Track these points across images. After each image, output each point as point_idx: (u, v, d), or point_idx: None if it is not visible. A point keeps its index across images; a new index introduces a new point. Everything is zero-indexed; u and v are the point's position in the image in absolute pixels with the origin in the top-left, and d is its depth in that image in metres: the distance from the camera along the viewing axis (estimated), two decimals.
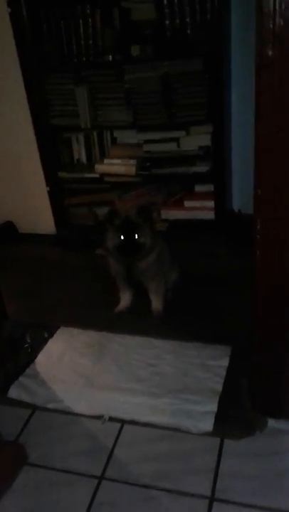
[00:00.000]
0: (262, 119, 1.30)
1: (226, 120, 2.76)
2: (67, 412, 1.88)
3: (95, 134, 3.05)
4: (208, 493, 1.54)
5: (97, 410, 1.86)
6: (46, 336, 2.30)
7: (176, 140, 2.85)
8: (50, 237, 3.23)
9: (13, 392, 1.98)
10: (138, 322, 2.35)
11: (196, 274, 2.57)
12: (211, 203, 2.89)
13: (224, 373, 1.96)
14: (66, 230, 3.21)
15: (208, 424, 1.74)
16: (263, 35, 1.19)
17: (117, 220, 2.20)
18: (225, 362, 2.02)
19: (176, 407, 1.82)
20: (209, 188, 2.89)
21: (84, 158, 3.12)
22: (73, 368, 2.09)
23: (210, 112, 2.70)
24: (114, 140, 3.07)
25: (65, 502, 1.56)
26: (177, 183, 3.04)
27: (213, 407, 1.80)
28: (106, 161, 3.00)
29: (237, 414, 1.77)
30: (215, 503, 1.51)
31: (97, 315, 2.43)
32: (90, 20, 2.69)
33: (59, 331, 2.33)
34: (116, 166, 2.96)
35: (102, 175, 3.00)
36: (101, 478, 1.63)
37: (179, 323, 2.31)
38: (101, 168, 2.99)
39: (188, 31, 2.61)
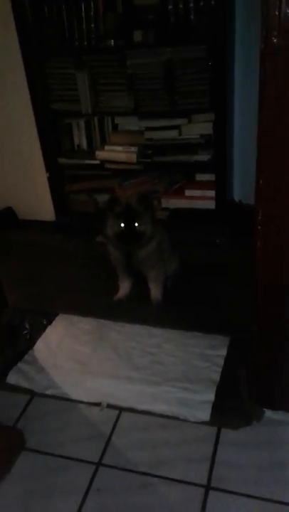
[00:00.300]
0: (265, 108, 1.29)
1: (229, 108, 2.74)
2: (66, 399, 1.89)
3: (95, 119, 3.02)
4: (205, 482, 1.55)
5: (96, 397, 1.87)
6: (45, 322, 2.30)
7: (178, 128, 2.83)
8: (49, 224, 3.22)
9: (12, 378, 1.99)
10: (137, 311, 2.35)
11: (195, 264, 2.57)
12: (211, 193, 2.88)
13: (222, 363, 1.97)
14: (66, 217, 3.19)
15: (205, 413, 1.75)
16: (268, 22, 1.17)
17: (117, 208, 2.19)
18: (223, 352, 2.03)
19: (174, 396, 1.83)
20: (210, 177, 2.88)
21: (84, 145, 3.09)
22: (72, 355, 2.10)
23: (212, 100, 2.67)
24: (115, 126, 3.04)
25: (63, 487, 1.58)
26: (178, 171, 3.03)
27: (211, 396, 1.81)
28: (107, 147, 2.97)
29: (234, 404, 1.78)
30: (211, 492, 1.52)
31: (97, 302, 2.43)
32: (91, 3, 2.64)
33: (58, 318, 2.33)
34: (117, 152, 2.93)
35: (103, 162, 2.98)
36: (98, 464, 1.64)
37: (178, 312, 2.31)
38: (102, 154, 2.97)
39: (192, 17, 2.58)
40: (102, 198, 3.00)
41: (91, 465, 1.64)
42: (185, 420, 1.75)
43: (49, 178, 3.11)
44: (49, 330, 2.27)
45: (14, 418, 1.83)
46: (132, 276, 2.40)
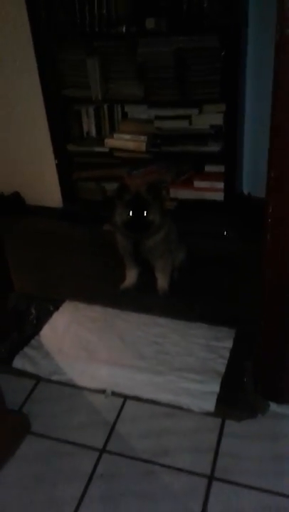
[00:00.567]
0: (279, 99, 1.28)
1: (240, 100, 2.71)
2: (71, 385, 1.91)
3: (105, 107, 3.00)
4: (208, 472, 1.57)
5: (101, 384, 1.88)
6: (52, 309, 2.31)
7: (188, 118, 2.81)
8: (56, 211, 3.21)
9: (18, 363, 2.00)
10: (143, 300, 2.35)
11: (202, 255, 2.57)
12: (220, 184, 2.86)
13: (228, 355, 1.98)
14: (73, 204, 3.18)
15: (210, 404, 1.76)
16: (283, 14, 1.16)
17: (126, 196, 2.18)
18: (229, 344, 2.04)
19: (179, 386, 1.84)
20: (220, 168, 2.86)
21: (94, 132, 3.07)
22: (78, 342, 2.11)
23: (224, 91, 2.65)
24: (124, 114, 3.02)
25: (67, 472, 1.60)
26: (187, 162, 3.01)
27: (216, 387, 1.82)
28: (116, 135, 2.96)
29: (239, 396, 1.79)
30: (214, 482, 1.54)
31: (103, 290, 2.44)
32: None
33: (64, 305, 2.34)
34: (126, 141, 2.92)
35: (112, 150, 2.97)
36: (102, 450, 1.66)
37: (184, 303, 2.32)
38: (111, 142, 2.96)
39: (205, 5, 2.54)
40: (110, 187, 2.98)
41: (95, 451, 1.66)
42: (190, 410, 1.76)
43: (57, 165, 3.10)
44: (56, 316, 2.28)
45: (20, 402, 1.85)
46: (139, 265, 2.40)
